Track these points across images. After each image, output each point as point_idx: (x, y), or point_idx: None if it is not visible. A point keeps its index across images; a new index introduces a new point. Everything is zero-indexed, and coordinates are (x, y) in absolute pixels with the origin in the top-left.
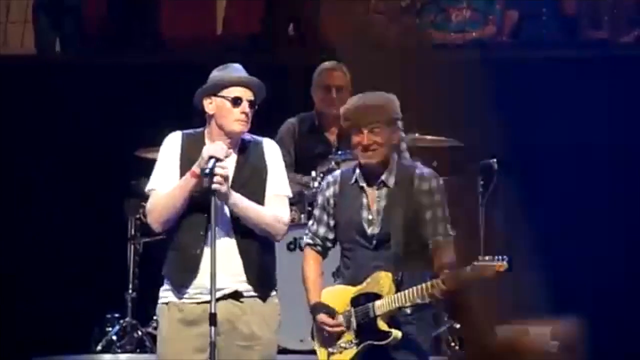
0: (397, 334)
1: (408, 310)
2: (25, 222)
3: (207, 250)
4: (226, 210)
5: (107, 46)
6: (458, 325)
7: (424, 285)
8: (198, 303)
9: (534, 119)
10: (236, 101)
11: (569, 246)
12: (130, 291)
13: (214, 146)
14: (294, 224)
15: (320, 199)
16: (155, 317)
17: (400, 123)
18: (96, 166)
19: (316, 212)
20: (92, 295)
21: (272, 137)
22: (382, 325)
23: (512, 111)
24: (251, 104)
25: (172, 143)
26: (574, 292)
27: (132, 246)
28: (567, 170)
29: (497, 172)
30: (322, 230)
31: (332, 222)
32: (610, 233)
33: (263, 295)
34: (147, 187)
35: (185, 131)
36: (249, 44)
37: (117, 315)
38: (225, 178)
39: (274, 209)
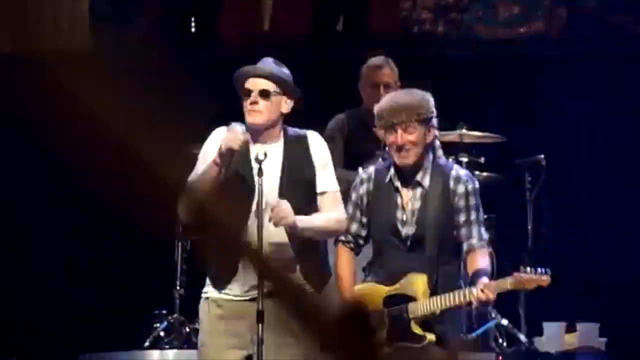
0: (431, 338)
1: (438, 311)
2: (72, 220)
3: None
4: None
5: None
6: (506, 322)
7: (461, 292)
8: (237, 300)
9: (581, 116)
10: (247, 93)
11: (617, 247)
12: (177, 288)
13: (230, 135)
14: None
15: (353, 196)
16: None
17: (435, 120)
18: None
19: (349, 209)
20: (140, 292)
21: (320, 133)
22: (416, 328)
23: (560, 107)
24: (264, 93)
25: (215, 138)
26: (620, 291)
27: (180, 243)
28: (614, 168)
29: (544, 169)
30: (354, 227)
31: (364, 220)
32: None
33: (318, 288)
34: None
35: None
36: (297, 40)
37: (164, 311)
38: (283, 214)
39: (333, 210)
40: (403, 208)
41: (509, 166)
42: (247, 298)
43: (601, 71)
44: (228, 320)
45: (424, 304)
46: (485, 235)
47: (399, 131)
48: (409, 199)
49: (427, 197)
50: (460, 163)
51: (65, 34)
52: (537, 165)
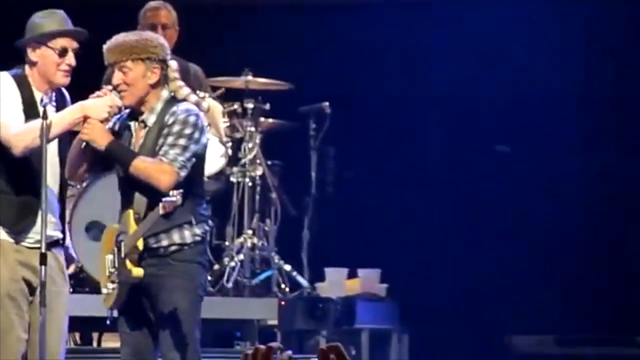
0: (137, 272)
1: (162, 251)
2: None
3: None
4: (55, 158)
5: None
6: (289, 267)
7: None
8: (31, 248)
9: (366, 64)
10: (63, 52)
11: (398, 195)
12: None
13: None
14: None
15: None
16: None
17: (162, 63)
18: None
19: None
20: None
21: None
22: (129, 265)
23: (346, 56)
24: (76, 54)
25: (10, 83)
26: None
27: None
28: (398, 116)
29: (329, 116)
30: None
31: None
32: (443, 184)
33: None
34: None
35: (10, 72)
36: None
37: None
38: None
39: None
40: (133, 147)
41: (294, 113)
42: (37, 246)
43: (390, 20)
44: (23, 267)
45: (129, 239)
46: (180, 162)
47: (116, 71)
48: (139, 138)
49: (147, 135)
50: (245, 109)
51: None
52: (321, 112)
